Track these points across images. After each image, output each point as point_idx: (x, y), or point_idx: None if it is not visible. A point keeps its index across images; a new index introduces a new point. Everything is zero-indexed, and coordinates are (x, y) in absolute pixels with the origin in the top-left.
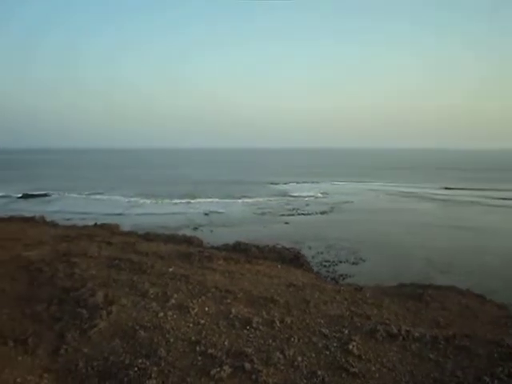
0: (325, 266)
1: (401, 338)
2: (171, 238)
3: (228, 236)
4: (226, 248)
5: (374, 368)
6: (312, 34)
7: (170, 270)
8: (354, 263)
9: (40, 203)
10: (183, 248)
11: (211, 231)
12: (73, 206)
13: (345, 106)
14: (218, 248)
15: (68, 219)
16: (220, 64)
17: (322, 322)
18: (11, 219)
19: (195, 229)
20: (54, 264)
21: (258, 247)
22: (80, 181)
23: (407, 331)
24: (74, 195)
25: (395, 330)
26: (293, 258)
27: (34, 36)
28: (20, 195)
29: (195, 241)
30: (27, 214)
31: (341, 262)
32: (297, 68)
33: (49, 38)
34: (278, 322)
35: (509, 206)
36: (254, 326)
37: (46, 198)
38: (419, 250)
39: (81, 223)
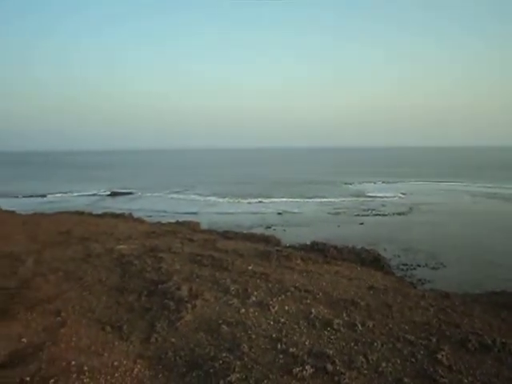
0: (402, 269)
1: (496, 349)
2: (249, 237)
3: (301, 235)
4: (303, 248)
5: (466, 380)
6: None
7: (250, 267)
8: (433, 268)
9: (126, 201)
10: (261, 247)
11: (284, 230)
12: (154, 204)
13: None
14: (295, 247)
15: (150, 216)
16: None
17: (407, 328)
18: (104, 215)
19: (268, 228)
20: (142, 258)
21: (336, 248)
22: (155, 180)
23: (503, 343)
24: (155, 194)
25: (489, 341)
26: (373, 260)
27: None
28: (108, 193)
29: (273, 240)
30: (117, 211)
31: (419, 265)
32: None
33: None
34: (359, 325)
35: None
36: (335, 327)
37: (130, 195)
38: (506, 256)
39: (163, 220)
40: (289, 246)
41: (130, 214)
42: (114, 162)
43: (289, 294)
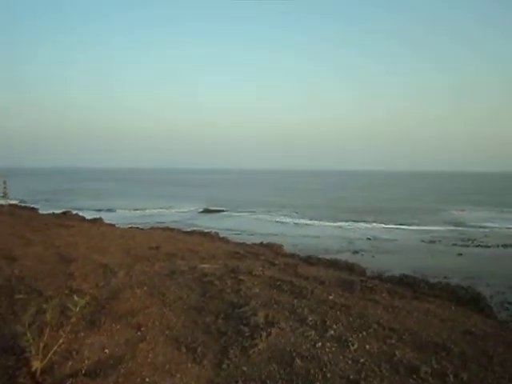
0: (507, 308)
1: None
2: (333, 263)
3: (390, 263)
4: (390, 280)
5: None
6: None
7: (330, 297)
8: None
9: (216, 218)
10: (344, 275)
11: (373, 257)
12: (242, 223)
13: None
14: (381, 279)
15: (239, 234)
16: None
17: None
18: (192, 233)
19: (356, 252)
20: (223, 279)
21: (427, 283)
22: (248, 199)
23: None
24: (245, 213)
25: None
26: (470, 300)
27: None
28: (201, 210)
29: (357, 268)
30: (205, 229)
31: None
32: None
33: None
34: (451, 376)
35: None
36: (422, 375)
37: (222, 213)
38: None
39: (248, 240)
40: (374, 277)
41: (217, 233)
42: (213, 180)
43: (371, 330)
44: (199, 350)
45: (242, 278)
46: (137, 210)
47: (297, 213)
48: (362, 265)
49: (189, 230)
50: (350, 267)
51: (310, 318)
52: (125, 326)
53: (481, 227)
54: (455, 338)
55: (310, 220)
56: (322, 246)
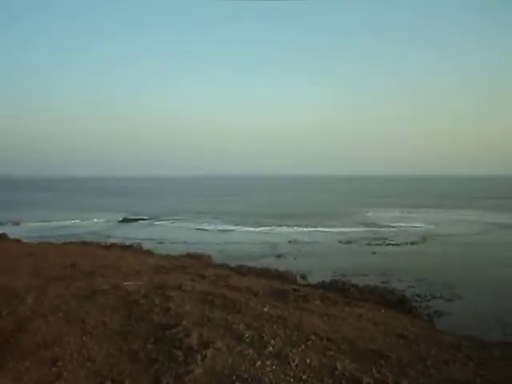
0: (416, 301)
1: None
2: (264, 272)
3: (312, 265)
4: (321, 286)
5: None
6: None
7: (265, 309)
8: (449, 300)
9: (137, 228)
10: (276, 284)
11: (295, 259)
12: (165, 232)
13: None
14: (312, 285)
15: (162, 243)
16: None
17: None
18: (112, 246)
19: (279, 256)
20: (150, 297)
21: (356, 287)
22: (169, 207)
23: None
24: (167, 221)
25: None
26: (397, 302)
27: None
28: (120, 219)
29: (289, 276)
30: (126, 241)
31: (434, 297)
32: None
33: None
34: None
35: None
36: None
37: (142, 222)
38: None
39: (172, 250)
40: (306, 285)
41: (140, 245)
42: (134, 188)
43: (309, 343)
44: (127, 383)
45: (170, 294)
46: (46, 221)
47: (219, 219)
48: (283, 268)
49: (108, 243)
50: (281, 275)
51: (247, 335)
52: (36, 363)
53: (392, 227)
54: (390, 344)
55: (233, 226)
56: (246, 252)
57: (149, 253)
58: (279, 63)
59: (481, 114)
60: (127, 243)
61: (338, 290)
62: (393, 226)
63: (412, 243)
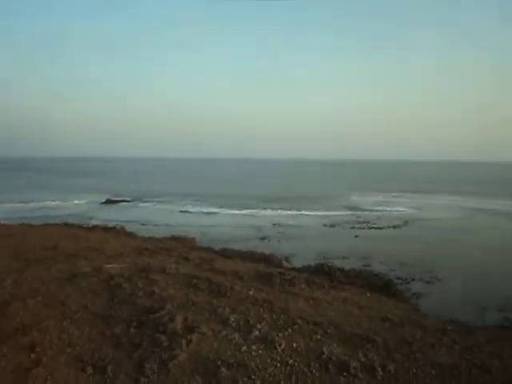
0: (397, 283)
1: None
2: (249, 256)
3: (296, 247)
4: (307, 270)
5: None
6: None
7: (251, 292)
8: (428, 282)
9: (120, 209)
10: (262, 267)
11: (279, 242)
12: (149, 214)
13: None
14: (298, 269)
15: (145, 225)
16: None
17: (433, 372)
18: (95, 228)
19: (263, 239)
20: (133, 280)
21: (342, 271)
22: (154, 188)
23: None
24: (151, 203)
25: None
26: (383, 286)
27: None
28: (103, 201)
29: (274, 259)
30: (109, 223)
31: (414, 279)
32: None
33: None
34: (379, 370)
35: None
36: (352, 372)
37: (126, 203)
38: (503, 271)
39: (156, 233)
40: (292, 268)
41: (123, 227)
42: (118, 169)
43: (296, 327)
44: (109, 369)
45: (154, 277)
46: (25, 202)
47: (204, 202)
48: (267, 251)
49: (91, 225)
50: (267, 259)
51: (233, 319)
52: (14, 349)
53: (374, 211)
54: (376, 327)
55: (218, 208)
56: (230, 235)
57: (132, 235)
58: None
59: None
60: (110, 225)
61: (324, 274)
62: (376, 210)
63: (394, 227)
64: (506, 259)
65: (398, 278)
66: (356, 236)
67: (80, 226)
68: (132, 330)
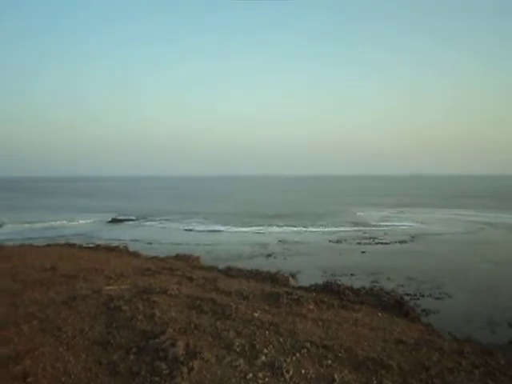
0: (406, 300)
1: None
2: (254, 274)
3: (302, 264)
4: (315, 288)
5: None
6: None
7: (256, 314)
8: (437, 298)
9: (126, 228)
10: (268, 287)
11: (284, 259)
12: (154, 232)
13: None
14: (306, 288)
15: (150, 243)
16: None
17: None
18: (97, 248)
19: (268, 256)
20: (133, 302)
21: (351, 289)
22: (160, 207)
23: None
24: (156, 221)
25: None
26: (394, 305)
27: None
28: (109, 219)
29: (280, 278)
30: (112, 243)
31: (423, 295)
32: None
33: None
34: None
35: None
36: None
37: (131, 222)
38: (506, 283)
39: (160, 252)
40: (299, 287)
41: (126, 247)
42: (119, 188)
43: (304, 351)
44: None
45: (155, 299)
46: (30, 223)
47: (209, 219)
48: (273, 268)
49: (93, 244)
50: (272, 277)
51: (237, 343)
52: (4, 378)
53: (381, 226)
54: (390, 351)
55: (223, 226)
56: (236, 252)
57: (135, 254)
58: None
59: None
60: (113, 244)
61: (333, 293)
62: (382, 226)
63: (401, 242)
64: (510, 273)
65: (407, 295)
66: (363, 252)
67: (82, 246)
68: (131, 357)
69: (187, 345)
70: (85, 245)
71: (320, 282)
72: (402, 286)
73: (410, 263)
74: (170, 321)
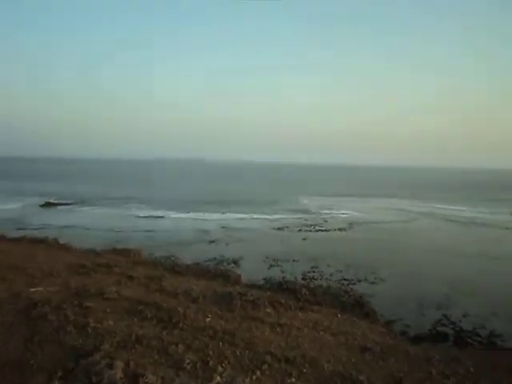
0: (343, 284)
1: None
2: (204, 272)
3: (244, 250)
4: (269, 287)
5: None
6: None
7: (208, 320)
8: (373, 283)
9: (60, 214)
10: (219, 286)
11: (227, 245)
12: (90, 219)
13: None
14: (260, 286)
15: (87, 229)
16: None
17: None
18: (21, 240)
19: (211, 242)
20: (62, 309)
21: (308, 287)
22: (100, 190)
23: None
24: (95, 206)
25: None
26: (354, 305)
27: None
28: (42, 204)
29: (232, 275)
30: (40, 234)
31: (360, 281)
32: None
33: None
34: None
35: None
36: None
37: (67, 207)
38: (441, 271)
39: (98, 243)
40: (252, 285)
41: (56, 239)
42: (73, 170)
43: (265, 367)
44: None
45: (89, 304)
46: None
47: (151, 205)
48: (216, 253)
49: (17, 236)
50: (223, 275)
51: (188, 360)
52: None
53: (322, 214)
54: (357, 361)
55: (164, 212)
56: (177, 238)
57: (67, 248)
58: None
59: None
60: (41, 235)
61: (289, 291)
62: (323, 213)
63: (340, 229)
64: (440, 258)
65: (345, 279)
66: (304, 239)
67: (3, 237)
68: (55, 383)
69: (127, 364)
70: (8, 235)
71: (264, 268)
72: (341, 271)
73: (348, 250)
74: (106, 332)
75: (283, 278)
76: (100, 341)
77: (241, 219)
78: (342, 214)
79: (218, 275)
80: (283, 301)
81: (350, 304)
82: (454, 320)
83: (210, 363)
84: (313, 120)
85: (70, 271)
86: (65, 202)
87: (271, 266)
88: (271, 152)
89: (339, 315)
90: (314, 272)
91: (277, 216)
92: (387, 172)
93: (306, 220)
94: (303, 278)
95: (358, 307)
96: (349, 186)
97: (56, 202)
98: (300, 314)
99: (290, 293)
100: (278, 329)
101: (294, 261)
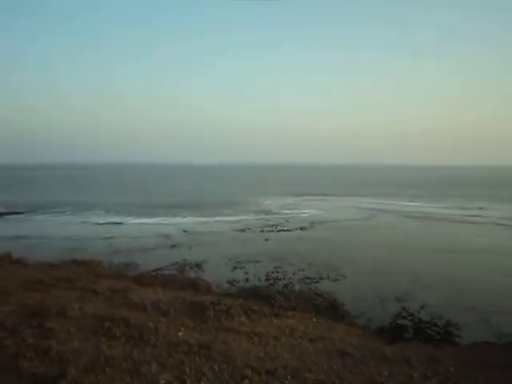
0: (306, 283)
1: None
2: (171, 281)
3: (207, 253)
4: (241, 294)
5: None
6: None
7: (181, 334)
8: (335, 280)
9: (9, 224)
10: (189, 296)
11: (189, 248)
12: (44, 228)
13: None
14: (232, 294)
15: (42, 238)
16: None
17: None
18: None
19: (173, 247)
20: (19, 332)
21: (281, 293)
22: (57, 197)
23: None
24: (49, 214)
25: None
26: (329, 308)
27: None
28: None
29: (202, 284)
30: None
31: (322, 278)
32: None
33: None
34: None
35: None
36: None
37: (18, 216)
38: (400, 265)
39: (55, 255)
40: (223, 293)
41: (8, 253)
42: (29, 177)
43: (246, 382)
44: None
45: (50, 325)
46: None
47: (110, 211)
48: (178, 258)
49: None
50: (193, 284)
51: (163, 380)
52: None
53: (283, 214)
54: (337, 367)
55: (123, 218)
56: (138, 244)
57: (21, 263)
58: None
59: None
60: None
61: (262, 297)
62: (285, 213)
63: (301, 229)
64: (397, 254)
65: (308, 278)
66: (266, 239)
67: None
68: None
69: None
70: None
71: (228, 271)
72: (303, 270)
73: (310, 248)
74: (71, 355)
75: (255, 285)
76: (65, 366)
77: (202, 223)
78: (303, 213)
79: (186, 285)
80: (257, 307)
81: (324, 307)
82: (413, 312)
83: (188, 382)
84: (313, 120)
85: (27, 288)
86: (15, 211)
87: (234, 268)
88: (271, 152)
89: (314, 319)
90: (277, 272)
91: (238, 218)
92: (387, 172)
93: (267, 220)
94: (267, 279)
95: (333, 310)
96: (315, 186)
97: (5, 211)
98: (275, 321)
99: (264, 298)
100: (255, 338)
101: (256, 261)
